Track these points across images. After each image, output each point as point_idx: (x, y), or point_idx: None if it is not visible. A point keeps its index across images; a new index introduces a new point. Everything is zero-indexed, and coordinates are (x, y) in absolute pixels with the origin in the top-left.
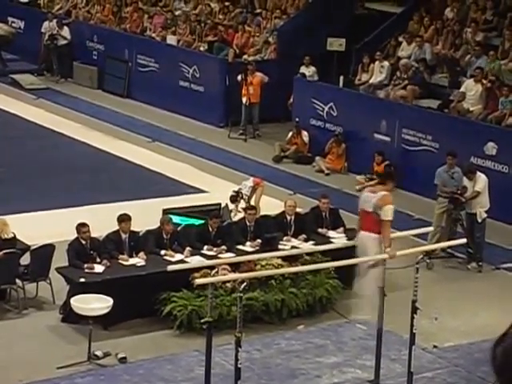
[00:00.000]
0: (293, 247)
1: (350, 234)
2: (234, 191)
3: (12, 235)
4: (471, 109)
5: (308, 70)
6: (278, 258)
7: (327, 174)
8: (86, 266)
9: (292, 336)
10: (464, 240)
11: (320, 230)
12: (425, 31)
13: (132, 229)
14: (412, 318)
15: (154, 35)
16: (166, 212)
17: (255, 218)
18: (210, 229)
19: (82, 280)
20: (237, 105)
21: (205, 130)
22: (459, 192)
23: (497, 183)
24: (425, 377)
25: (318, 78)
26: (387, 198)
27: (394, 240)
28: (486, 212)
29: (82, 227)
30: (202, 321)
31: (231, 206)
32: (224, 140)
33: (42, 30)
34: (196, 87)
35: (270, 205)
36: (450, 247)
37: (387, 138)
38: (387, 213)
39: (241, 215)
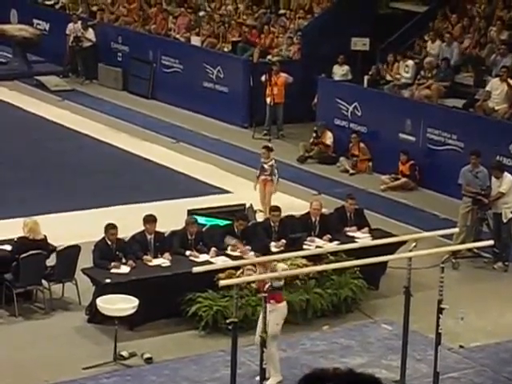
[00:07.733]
0: (317, 247)
1: (375, 233)
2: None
3: (42, 237)
4: (496, 108)
5: (342, 69)
6: (303, 258)
7: (352, 174)
8: (111, 265)
9: (317, 336)
10: (491, 242)
11: (346, 228)
12: (452, 29)
13: (157, 229)
14: (438, 318)
15: (178, 36)
16: (190, 213)
17: (279, 219)
18: (236, 230)
19: (108, 281)
20: (261, 105)
21: (229, 130)
22: (483, 193)
23: None
24: (451, 377)
25: (351, 77)
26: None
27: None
28: None
29: (110, 229)
30: (228, 321)
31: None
32: (248, 140)
33: (67, 32)
34: (220, 88)
35: (295, 205)
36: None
37: (412, 138)
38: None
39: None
